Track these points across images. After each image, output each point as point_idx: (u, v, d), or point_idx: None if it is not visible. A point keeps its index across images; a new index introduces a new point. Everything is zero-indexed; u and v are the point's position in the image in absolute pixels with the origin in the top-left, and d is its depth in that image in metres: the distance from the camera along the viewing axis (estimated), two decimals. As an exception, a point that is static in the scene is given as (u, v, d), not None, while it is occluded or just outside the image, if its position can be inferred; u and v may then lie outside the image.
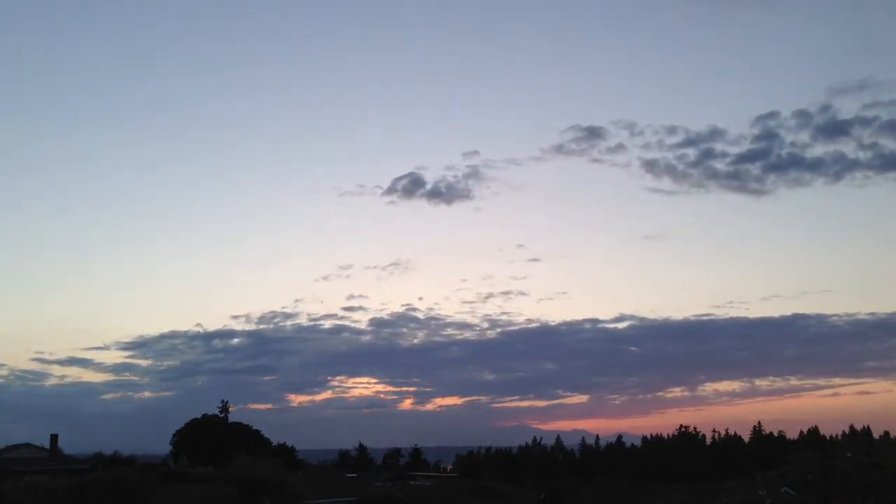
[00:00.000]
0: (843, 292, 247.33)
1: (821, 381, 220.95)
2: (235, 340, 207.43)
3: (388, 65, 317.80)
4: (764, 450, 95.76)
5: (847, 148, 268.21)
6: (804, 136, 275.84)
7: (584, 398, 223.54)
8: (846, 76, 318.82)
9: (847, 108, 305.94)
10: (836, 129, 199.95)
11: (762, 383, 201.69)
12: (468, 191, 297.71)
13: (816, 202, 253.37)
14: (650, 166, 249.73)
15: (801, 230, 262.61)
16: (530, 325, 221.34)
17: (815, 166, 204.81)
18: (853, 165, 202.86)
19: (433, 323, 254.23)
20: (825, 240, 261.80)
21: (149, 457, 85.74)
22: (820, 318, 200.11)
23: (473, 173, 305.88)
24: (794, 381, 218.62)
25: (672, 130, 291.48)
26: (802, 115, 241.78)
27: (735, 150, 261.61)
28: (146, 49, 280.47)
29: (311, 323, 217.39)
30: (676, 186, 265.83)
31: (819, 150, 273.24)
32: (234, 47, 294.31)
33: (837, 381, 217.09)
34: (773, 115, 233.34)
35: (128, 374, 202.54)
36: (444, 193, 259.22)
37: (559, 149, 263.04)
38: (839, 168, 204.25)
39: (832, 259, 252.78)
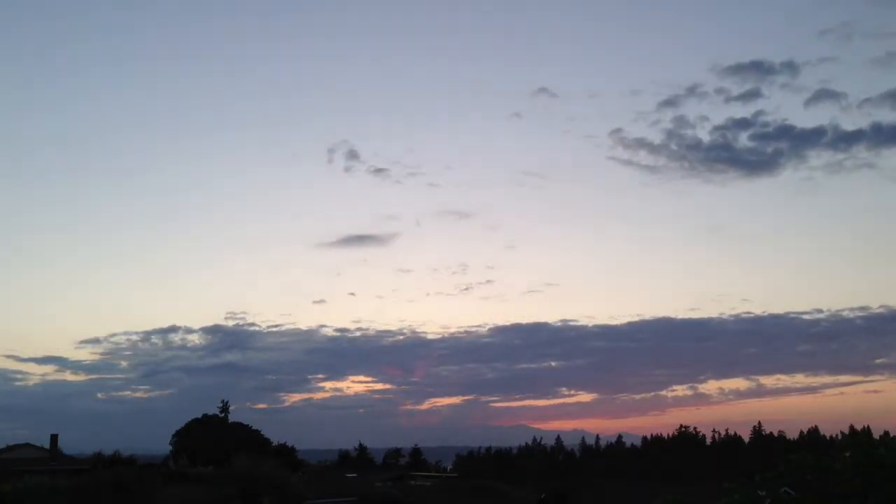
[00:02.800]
0: (857, 284, 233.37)
1: (828, 380, 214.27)
2: (215, 339, 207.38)
3: (317, 23, 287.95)
4: (764, 450, 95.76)
5: (845, 117, 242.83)
6: (795, 98, 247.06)
7: (584, 397, 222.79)
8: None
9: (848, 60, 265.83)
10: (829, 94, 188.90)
11: (768, 381, 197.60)
12: (417, 165, 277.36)
13: (823, 182, 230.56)
14: (619, 136, 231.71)
15: (808, 213, 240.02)
16: (525, 322, 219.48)
17: (811, 138, 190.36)
18: (854, 137, 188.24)
19: (420, 318, 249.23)
20: (836, 225, 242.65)
21: (146, 457, 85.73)
22: (833, 313, 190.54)
23: (417, 144, 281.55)
24: (800, 379, 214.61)
25: (637, 93, 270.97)
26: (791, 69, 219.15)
27: (717, 115, 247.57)
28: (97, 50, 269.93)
29: (291, 319, 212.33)
30: (653, 160, 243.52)
31: (814, 116, 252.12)
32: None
33: (846, 378, 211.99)
34: (756, 66, 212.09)
35: (109, 372, 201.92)
36: (387, 168, 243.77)
37: (516, 117, 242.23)
38: (833, 139, 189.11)
39: (844, 247, 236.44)
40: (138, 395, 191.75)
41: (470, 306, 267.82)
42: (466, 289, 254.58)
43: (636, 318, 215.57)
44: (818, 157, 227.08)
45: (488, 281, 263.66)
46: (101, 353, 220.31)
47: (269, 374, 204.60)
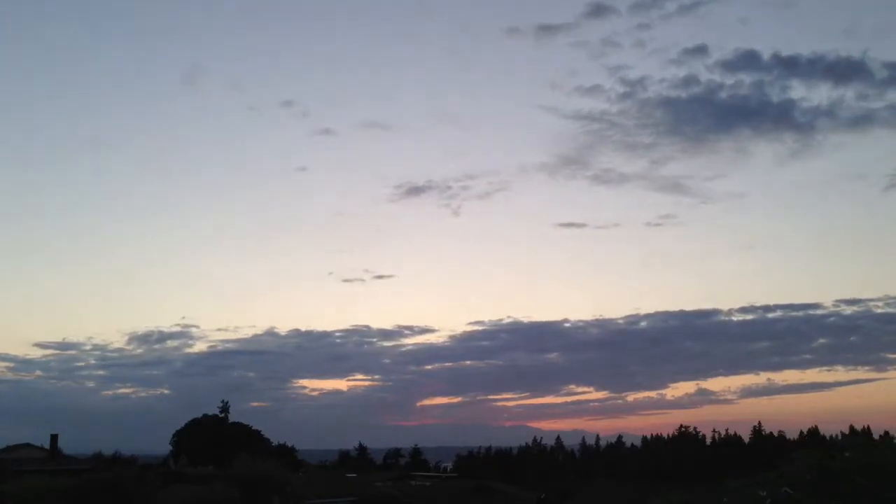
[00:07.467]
0: (881, 272, 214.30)
1: (840, 377, 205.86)
2: (174, 341, 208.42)
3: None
4: (764, 450, 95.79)
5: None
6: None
7: (585, 397, 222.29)
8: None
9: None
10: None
11: (777, 377, 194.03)
12: (318, 113, 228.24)
13: (824, 140, 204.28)
14: (547, 79, 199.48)
15: (820, 190, 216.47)
16: (513, 318, 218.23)
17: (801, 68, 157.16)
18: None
19: (390, 311, 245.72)
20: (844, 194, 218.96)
21: (147, 457, 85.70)
22: (851, 300, 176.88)
23: (321, 87, 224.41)
24: (811, 375, 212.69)
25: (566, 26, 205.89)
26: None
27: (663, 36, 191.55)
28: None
29: (249, 319, 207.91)
30: (593, 106, 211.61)
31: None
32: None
33: (856, 375, 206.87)
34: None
35: (68, 371, 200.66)
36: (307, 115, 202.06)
37: (441, 49, 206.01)
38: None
39: (857, 223, 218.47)
40: (103, 393, 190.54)
41: (437, 295, 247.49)
42: (429, 276, 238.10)
43: (636, 317, 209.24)
44: (816, 96, 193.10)
45: (449, 266, 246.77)
46: (55, 353, 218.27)
47: (276, 376, 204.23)
